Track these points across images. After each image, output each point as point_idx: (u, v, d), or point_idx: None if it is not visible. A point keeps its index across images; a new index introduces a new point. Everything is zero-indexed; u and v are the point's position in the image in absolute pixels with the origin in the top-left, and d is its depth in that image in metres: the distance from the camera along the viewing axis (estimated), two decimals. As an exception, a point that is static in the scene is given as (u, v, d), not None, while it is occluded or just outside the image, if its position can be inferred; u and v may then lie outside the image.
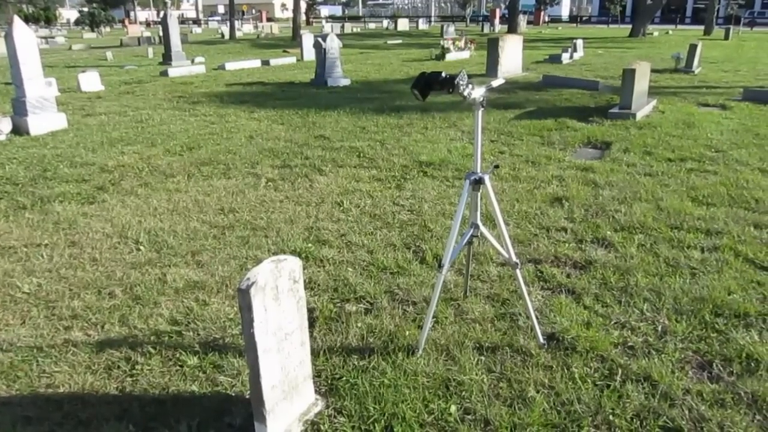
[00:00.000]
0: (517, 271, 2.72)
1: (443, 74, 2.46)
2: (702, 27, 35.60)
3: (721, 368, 2.59)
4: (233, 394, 2.44)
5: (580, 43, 18.47)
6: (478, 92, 2.46)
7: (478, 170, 2.62)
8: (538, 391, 2.42)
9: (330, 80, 11.23)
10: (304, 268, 3.56)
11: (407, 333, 2.86)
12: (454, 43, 17.26)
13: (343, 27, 32.76)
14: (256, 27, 41.29)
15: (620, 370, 2.56)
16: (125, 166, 5.90)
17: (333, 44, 11.20)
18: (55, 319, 3.03)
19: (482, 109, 2.48)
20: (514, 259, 2.70)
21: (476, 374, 2.53)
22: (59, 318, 3.05)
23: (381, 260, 3.69)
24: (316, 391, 2.42)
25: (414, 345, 2.75)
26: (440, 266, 2.61)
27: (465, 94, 2.43)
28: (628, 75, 8.07)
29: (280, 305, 2.15)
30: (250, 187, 5.22)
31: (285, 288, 2.17)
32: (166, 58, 16.09)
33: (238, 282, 3.40)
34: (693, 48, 13.79)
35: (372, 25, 40.02)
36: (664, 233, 4.11)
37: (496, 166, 4.32)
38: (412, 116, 8.42)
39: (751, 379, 2.51)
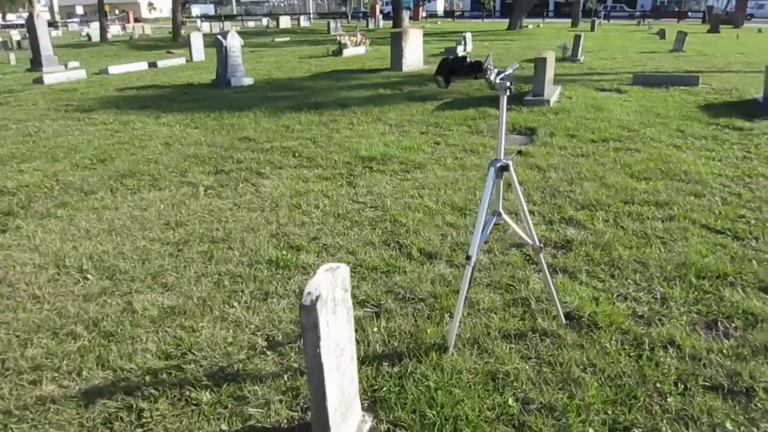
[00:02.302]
0: (540, 255, 2.74)
1: (468, 60, 2.43)
2: (564, 20, 38.57)
3: (727, 325, 2.79)
4: (271, 426, 2.23)
5: (468, 36, 19.24)
6: (503, 77, 2.43)
7: (501, 156, 2.59)
8: (584, 371, 2.45)
9: (233, 80, 10.75)
10: (289, 278, 3.37)
11: (428, 331, 2.79)
12: (350, 39, 17.25)
13: (222, 26, 31.46)
14: (124, 28, 38.58)
15: (645, 339, 2.67)
16: (29, 186, 5.22)
17: (234, 42, 10.73)
18: (12, 375, 2.58)
19: (507, 94, 2.46)
20: (537, 243, 2.72)
21: (516, 363, 2.52)
22: (17, 372, 2.60)
23: (367, 260, 3.57)
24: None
25: (441, 343, 2.68)
26: (468, 258, 2.56)
27: (492, 78, 2.40)
28: (540, 64, 8.52)
29: (337, 319, 1.99)
30: (189, 196, 4.84)
31: (339, 299, 2.01)
32: (36, 64, 14.51)
33: (221, 302, 3.13)
34: (577, 38, 14.89)
35: (251, 24, 38.93)
36: (621, 208, 4.37)
37: (519, 152, 4.35)
38: (333, 112, 8.28)
39: (755, 331, 2.72)
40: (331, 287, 1.93)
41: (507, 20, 34.67)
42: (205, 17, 51.87)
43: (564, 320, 2.82)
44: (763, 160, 5.63)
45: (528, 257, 3.58)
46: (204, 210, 4.51)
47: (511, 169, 2.59)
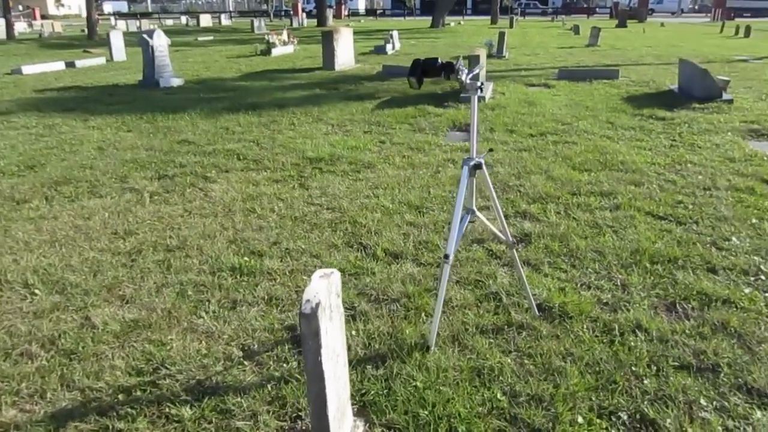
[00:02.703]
0: (514, 251, 2.80)
1: (440, 61, 2.44)
2: (482, 17, 39.71)
3: (685, 306, 2.96)
4: (262, 436, 2.15)
5: (395, 34, 19.38)
6: (473, 77, 2.46)
7: (474, 155, 2.62)
8: (563, 360, 2.52)
9: (162, 81, 10.30)
10: (255, 285, 3.28)
11: (407, 331, 2.78)
12: (278, 38, 16.94)
13: (139, 24, 29.97)
14: (30, 25, 36.00)
15: (615, 325, 2.78)
16: (-51, 199, 4.79)
17: (161, 42, 10.26)
18: (-36, 401, 2.37)
19: (478, 93, 2.49)
20: (511, 239, 2.77)
21: (499, 357, 2.56)
22: (-31, 398, 2.38)
23: (333, 263, 3.52)
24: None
25: (421, 342, 2.69)
26: (446, 257, 2.57)
27: (464, 78, 2.43)
28: (474, 61, 8.69)
29: (333, 325, 1.94)
30: (134, 203, 4.59)
31: (334, 305, 1.96)
32: (-69, 66, 13.29)
33: (188, 312, 2.99)
34: (501, 36, 15.35)
35: (169, 22, 37.35)
36: (570, 200, 4.54)
37: (491, 150, 4.38)
38: (271, 113, 8.11)
39: (711, 311, 2.90)
40: (328, 293, 1.89)
41: (428, 18, 35.28)
42: (119, 15, 49.30)
43: (537, 312, 2.89)
44: (688, 148, 6.02)
45: (491, 252, 3.65)
46: (153, 217, 4.29)
47: (484, 167, 2.63)
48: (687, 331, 2.73)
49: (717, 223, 3.99)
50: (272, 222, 4.19)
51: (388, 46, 16.87)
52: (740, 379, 2.40)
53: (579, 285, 3.21)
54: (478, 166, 2.61)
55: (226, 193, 4.82)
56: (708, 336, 2.69)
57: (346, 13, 53.97)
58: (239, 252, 3.70)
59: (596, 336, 2.71)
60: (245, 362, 2.59)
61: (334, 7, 49.55)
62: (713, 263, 3.39)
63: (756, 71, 12.02)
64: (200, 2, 61.51)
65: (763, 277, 3.22)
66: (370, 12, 62.78)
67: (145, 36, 10.02)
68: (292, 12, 40.91)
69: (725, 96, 8.45)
